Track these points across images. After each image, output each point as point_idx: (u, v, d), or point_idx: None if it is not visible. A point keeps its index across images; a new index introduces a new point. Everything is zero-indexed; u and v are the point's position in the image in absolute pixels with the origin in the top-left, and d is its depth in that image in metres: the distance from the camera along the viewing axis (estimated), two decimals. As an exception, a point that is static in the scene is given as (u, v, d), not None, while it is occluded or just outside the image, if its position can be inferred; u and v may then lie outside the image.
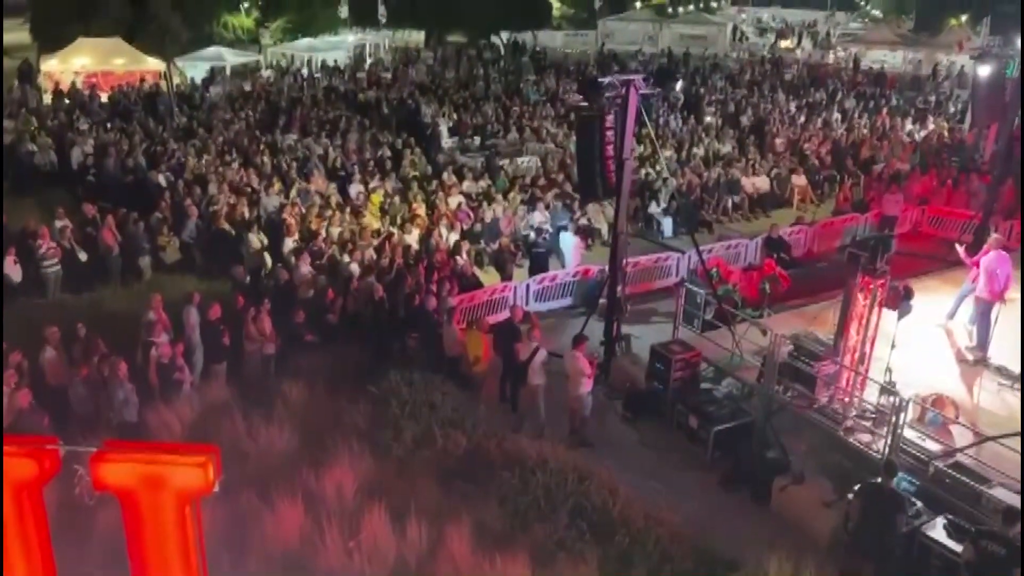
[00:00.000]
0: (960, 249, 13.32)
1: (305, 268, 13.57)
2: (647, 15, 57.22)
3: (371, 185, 18.38)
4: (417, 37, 46.89)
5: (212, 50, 34.87)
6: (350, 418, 10.20)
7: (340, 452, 9.16)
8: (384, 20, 40.97)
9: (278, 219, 15.79)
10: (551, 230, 17.01)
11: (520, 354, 11.02)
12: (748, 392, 11.33)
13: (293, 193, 17.37)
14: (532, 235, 16.76)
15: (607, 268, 13.44)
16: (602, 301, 13.35)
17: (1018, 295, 12.71)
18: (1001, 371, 11.60)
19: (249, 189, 17.37)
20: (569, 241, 16.28)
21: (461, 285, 13.92)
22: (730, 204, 20.84)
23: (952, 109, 32.21)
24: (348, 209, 16.84)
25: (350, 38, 40.92)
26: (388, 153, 21.03)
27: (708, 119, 27.62)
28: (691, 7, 59.75)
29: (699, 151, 23.44)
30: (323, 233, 15.31)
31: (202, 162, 19.02)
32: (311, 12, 43.71)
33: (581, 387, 10.82)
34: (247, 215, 15.86)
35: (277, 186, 17.64)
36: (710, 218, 20.20)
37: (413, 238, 15.70)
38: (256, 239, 14.85)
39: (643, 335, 13.28)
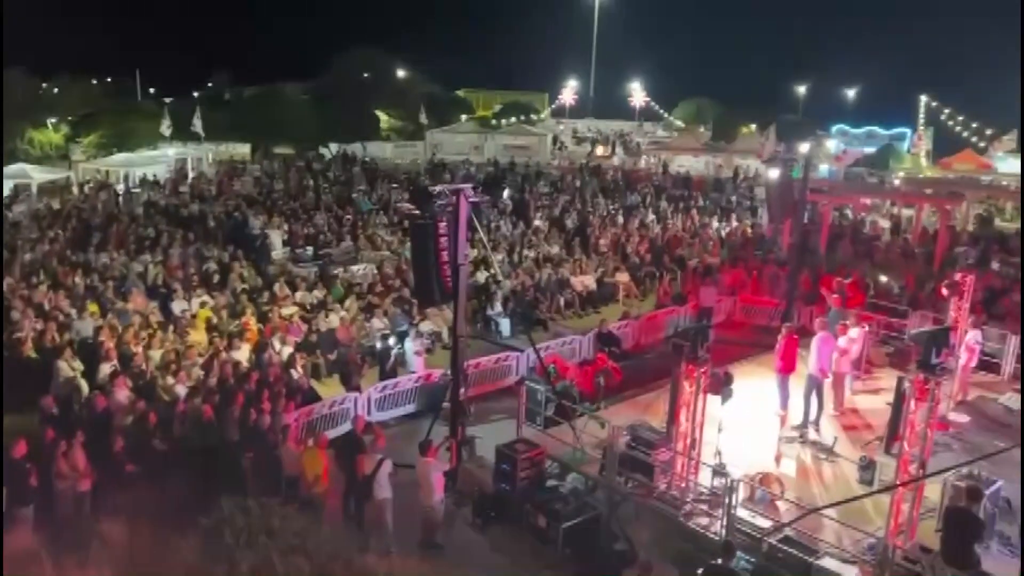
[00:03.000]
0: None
1: (123, 393, 12.62)
2: (472, 127, 59.77)
3: (196, 301, 17.59)
4: (242, 149, 46.28)
5: (16, 167, 32.79)
6: (179, 554, 9.34)
7: (168, 593, 8.35)
8: (202, 134, 40.17)
9: (93, 343, 14.69)
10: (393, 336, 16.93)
11: (364, 467, 10.68)
12: (592, 486, 11.52)
13: (109, 315, 16.28)
14: (379, 344, 16.56)
15: (449, 371, 13.45)
16: (446, 405, 13.29)
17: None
18: (816, 444, 12.53)
19: (59, 313, 16.12)
20: (411, 347, 16.22)
21: (298, 399, 13.42)
22: (562, 302, 21.66)
23: (751, 207, 35.57)
24: (171, 328, 15.98)
25: (170, 152, 39.79)
26: (215, 267, 20.31)
27: (536, 223, 28.90)
28: (513, 119, 63.00)
29: (530, 253, 24.38)
30: (143, 355, 14.38)
31: (3, 286, 17.50)
32: (127, 126, 42.31)
33: (433, 496, 10.62)
34: (57, 340, 14.66)
35: (92, 308, 16.50)
36: (545, 316, 20.86)
37: (243, 354, 15.07)
38: (67, 366, 13.70)
39: (488, 436, 13.26)
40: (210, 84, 67.81)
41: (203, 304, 17.39)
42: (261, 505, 10.17)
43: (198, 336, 15.81)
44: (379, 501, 10.55)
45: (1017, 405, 13.98)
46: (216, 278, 19.49)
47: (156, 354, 14.66)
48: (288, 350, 15.54)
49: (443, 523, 10.90)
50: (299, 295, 18.85)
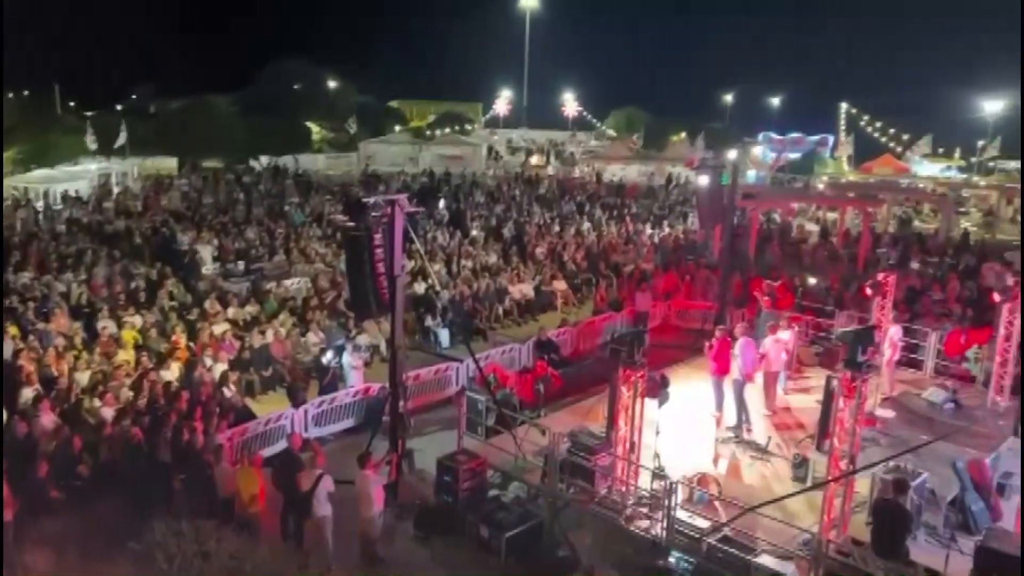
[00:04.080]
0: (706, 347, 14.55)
1: (47, 418, 12.13)
2: (406, 138, 59.57)
3: (123, 320, 17.03)
4: (169, 164, 45.11)
5: (-74, 184, 31.28)
6: (109, 583, 9.05)
7: (98, 625, 8.04)
8: (127, 148, 39.01)
9: (13, 367, 14.08)
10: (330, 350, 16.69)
11: (302, 484, 10.48)
12: (534, 493, 11.53)
13: (30, 337, 15.63)
14: (324, 359, 16.30)
15: (388, 384, 13.31)
16: (386, 419, 13.14)
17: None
18: (751, 444, 12.81)
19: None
20: (348, 360, 16.01)
21: (232, 418, 13.11)
22: (500, 311, 21.71)
23: (683, 214, 36.31)
24: (97, 349, 15.42)
25: (93, 167, 38.51)
26: (142, 285, 19.71)
27: (473, 233, 28.93)
28: (447, 130, 63.05)
29: (468, 263, 24.36)
30: (68, 377, 13.84)
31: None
32: (47, 141, 40.82)
33: (373, 508, 10.49)
34: (-28, 366, 14.00)
35: (12, 330, 15.81)
36: (484, 326, 20.87)
37: (173, 373, 14.65)
38: (-15, 391, 13.09)
39: (429, 448, 13.17)
40: (134, 97, 66.08)
41: (123, 324, 16.78)
42: (195, 528, 9.96)
43: (125, 356, 15.30)
44: (318, 518, 10.36)
45: (938, 399, 14.54)
46: (144, 296, 18.92)
47: (82, 376, 14.14)
48: (221, 367, 15.17)
49: (383, 537, 10.76)
50: (231, 311, 18.42)
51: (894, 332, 15.04)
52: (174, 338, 16.14)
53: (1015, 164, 59.68)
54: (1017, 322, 14.29)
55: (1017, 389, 14.29)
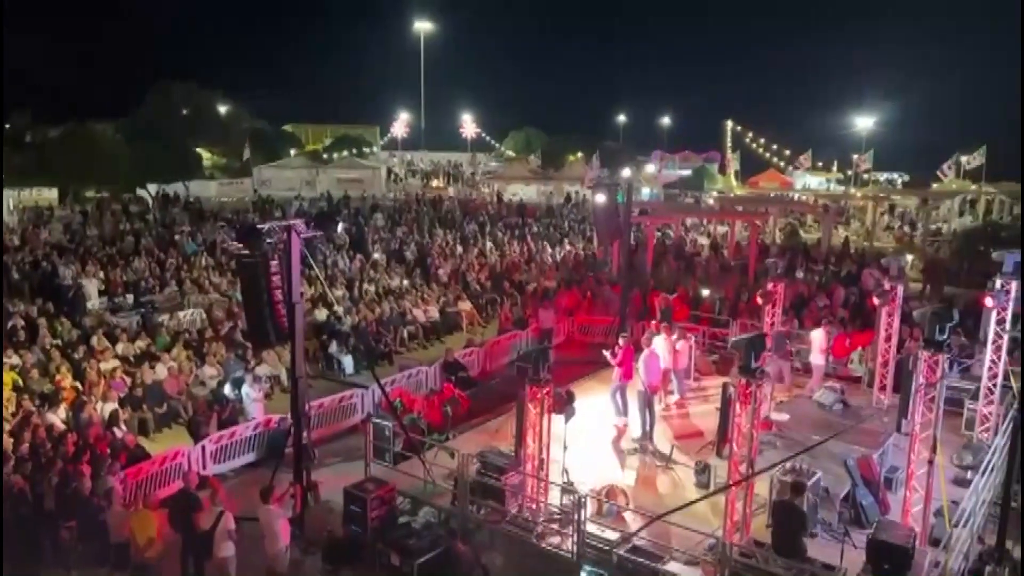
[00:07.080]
0: (607, 354, 14.92)
1: (-85, 471, 11.22)
2: (303, 162, 58.45)
3: None
4: (49, 195, 42.78)
5: None
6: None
7: None
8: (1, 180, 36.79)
9: None
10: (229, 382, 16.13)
11: (201, 523, 10.04)
12: (446, 517, 11.42)
13: None
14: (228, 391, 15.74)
15: (290, 415, 12.95)
16: (289, 450, 12.76)
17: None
18: (655, 454, 13.09)
19: None
20: (248, 392, 15.50)
21: (125, 459, 12.47)
22: (406, 334, 21.51)
23: (582, 231, 37.02)
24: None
25: (-40, 201, 36.18)
26: (21, 323, 18.55)
27: (375, 256, 28.61)
28: (345, 153, 62.26)
29: (371, 287, 24.06)
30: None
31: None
32: (-92, 174, 38.00)
33: (278, 544, 10.14)
34: None
35: None
36: (389, 350, 20.61)
37: (59, 415, 13.84)
38: None
39: (336, 478, 12.86)
40: (8, 125, 62.39)
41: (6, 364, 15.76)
42: (85, 578, 9.41)
43: (3, 399, 14.33)
44: (220, 559, 9.96)
45: (828, 400, 15.23)
46: (23, 334, 17.81)
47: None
48: (111, 406, 14.43)
49: (290, 572, 10.42)
50: (120, 347, 17.56)
51: (822, 336, 15.78)
52: (58, 378, 15.26)
53: (886, 175, 63.79)
54: (896, 324, 15.18)
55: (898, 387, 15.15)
